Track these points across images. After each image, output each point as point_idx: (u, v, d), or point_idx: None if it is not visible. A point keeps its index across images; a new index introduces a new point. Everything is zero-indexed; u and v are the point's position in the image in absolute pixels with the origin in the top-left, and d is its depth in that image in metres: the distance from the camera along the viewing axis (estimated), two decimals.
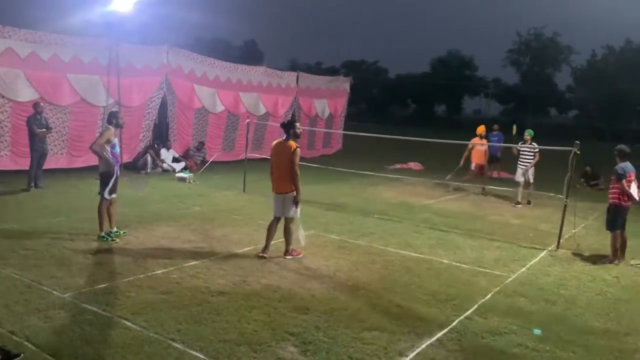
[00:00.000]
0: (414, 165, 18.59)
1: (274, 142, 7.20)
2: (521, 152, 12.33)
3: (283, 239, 7.14)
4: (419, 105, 68.29)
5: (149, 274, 6.11)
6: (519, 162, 12.34)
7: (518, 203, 12.29)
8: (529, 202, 12.48)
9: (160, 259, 6.67)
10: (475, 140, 13.35)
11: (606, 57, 55.02)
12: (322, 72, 37.71)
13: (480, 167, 13.59)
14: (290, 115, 19.44)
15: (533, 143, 12.24)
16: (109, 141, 7.33)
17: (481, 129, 13.47)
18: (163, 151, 14.98)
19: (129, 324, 4.74)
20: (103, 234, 7.39)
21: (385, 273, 6.68)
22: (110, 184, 7.42)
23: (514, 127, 14.14)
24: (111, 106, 12.92)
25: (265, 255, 6.99)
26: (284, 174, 6.93)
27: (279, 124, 18.27)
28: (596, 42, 79.22)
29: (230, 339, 4.55)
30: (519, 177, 12.26)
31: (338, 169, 13.50)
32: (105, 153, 7.29)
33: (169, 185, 12.56)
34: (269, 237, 7.12)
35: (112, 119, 7.54)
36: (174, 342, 4.44)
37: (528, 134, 12.32)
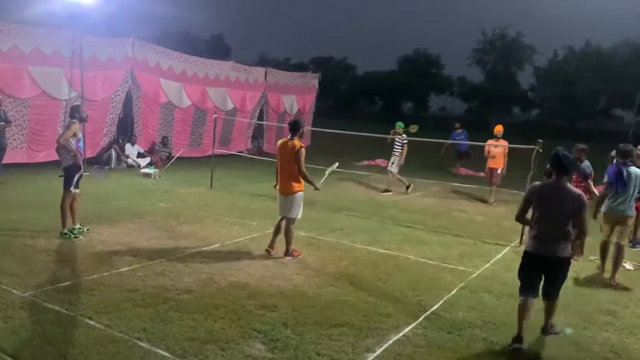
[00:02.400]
0: (381, 161, 18.72)
1: (280, 142, 7.12)
2: (393, 143, 12.98)
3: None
4: (386, 102, 68.74)
5: (114, 271, 6.00)
6: (393, 153, 12.99)
7: (386, 190, 13.06)
8: (388, 191, 13.04)
9: (124, 257, 6.55)
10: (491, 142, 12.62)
11: (567, 58, 56.49)
12: (290, 68, 37.49)
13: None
14: (258, 111, 19.33)
15: (403, 135, 12.92)
16: (75, 135, 7.18)
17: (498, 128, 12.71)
18: (128, 146, 14.69)
19: (92, 323, 4.65)
20: (66, 230, 7.22)
21: (353, 269, 6.72)
22: (76, 178, 7.26)
23: (414, 126, 13.74)
24: (74, 99, 12.59)
25: (271, 251, 7.02)
26: (288, 174, 6.90)
27: (247, 120, 18.16)
28: (557, 43, 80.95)
29: (197, 337, 4.50)
30: (393, 167, 12.94)
31: (306, 165, 13.45)
32: (71, 147, 7.14)
33: (133, 181, 12.33)
34: (276, 233, 7.15)
35: (75, 112, 7.38)
36: (139, 341, 4.38)
37: (398, 126, 13.03)
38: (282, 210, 7.06)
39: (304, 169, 6.88)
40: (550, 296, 5.01)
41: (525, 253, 5.02)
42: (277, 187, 7.11)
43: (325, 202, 11.15)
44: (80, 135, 7.37)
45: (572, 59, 55.11)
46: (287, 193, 6.96)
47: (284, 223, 7.10)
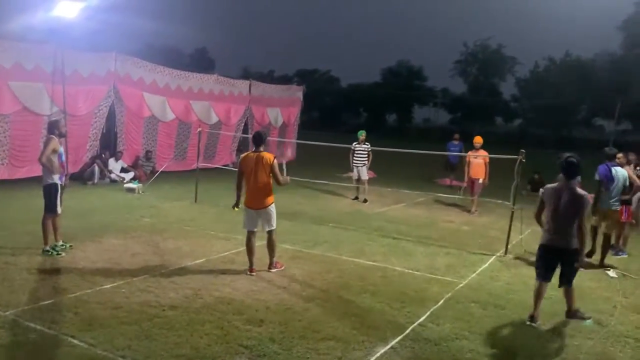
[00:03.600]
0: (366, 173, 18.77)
1: (245, 156, 6.90)
2: (356, 152, 13.11)
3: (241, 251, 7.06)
4: (370, 114, 69.19)
5: (97, 288, 5.91)
6: (354, 162, 13.13)
7: (357, 198, 13.28)
8: (365, 200, 13.16)
9: (108, 273, 6.46)
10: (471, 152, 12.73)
11: (548, 68, 57.46)
12: (274, 81, 37.62)
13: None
14: (243, 124, 19.30)
15: (367, 143, 13.12)
16: (55, 151, 7.09)
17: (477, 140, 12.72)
18: (111, 161, 14.56)
19: (75, 341, 4.56)
20: (48, 247, 7.10)
21: (339, 282, 6.69)
22: (58, 198, 7.18)
23: (363, 133, 13.60)
24: (56, 115, 12.46)
25: (254, 272, 6.77)
26: (262, 188, 6.74)
27: (232, 133, 18.10)
28: (538, 54, 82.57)
29: (183, 354, 4.44)
30: (358, 175, 13.16)
31: (291, 177, 13.46)
32: (53, 164, 7.06)
33: (117, 196, 12.21)
34: (252, 253, 6.87)
35: (54, 128, 7.29)
36: (123, 358, 4.31)
37: (362, 134, 13.23)
38: (257, 225, 6.89)
39: (281, 179, 6.85)
40: (563, 283, 5.80)
41: (540, 246, 5.85)
42: (246, 204, 6.84)
43: (311, 214, 11.14)
44: (61, 149, 7.28)
45: (553, 70, 56.10)
46: (263, 207, 6.80)
47: (257, 238, 6.93)
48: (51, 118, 11.23)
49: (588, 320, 5.80)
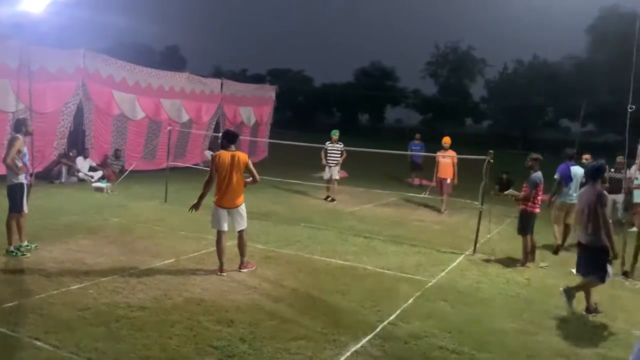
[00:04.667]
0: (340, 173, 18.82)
1: (219, 154, 6.74)
2: (329, 152, 13.20)
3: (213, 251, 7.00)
4: (344, 114, 69.39)
5: (63, 289, 5.79)
6: (327, 161, 13.19)
7: (327, 197, 13.37)
8: (333, 200, 13.28)
9: (75, 274, 6.34)
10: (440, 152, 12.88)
11: (516, 70, 58.56)
12: (247, 80, 37.45)
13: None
14: (214, 123, 19.15)
15: (340, 143, 13.22)
16: (19, 151, 6.92)
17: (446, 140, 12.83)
18: (79, 159, 14.28)
19: (40, 344, 4.47)
20: (12, 248, 6.94)
21: (311, 282, 6.70)
22: (24, 198, 7.01)
23: (336, 133, 13.64)
24: (21, 112, 12.16)
25: (225, 273, 6.71)
26: (237, 187, 6.72)
27: (203, 132, 17.92)
28: (507, 56, 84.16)
29: (152, 355, 4.39)
30: (330, 175, 13.23)
31: (264, 177, 13.41)
32: (17, 165, 6.89)
33: (85, 195, 11.98)
34: (223, 253, 6.79)
35: (21, 126, 7.11)
36: None
37: (335, 134, 13.32)
38: (231, 225, 6.84)
39: (258, 177, 6.91)
40: (583, 274, 6.27)
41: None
42: (218, 203, 6.74)
43: (283, 214, 11.13)
44: (25, 149, 7.09)
45: (522, 72, 57.13)
46: (236, 206, 6.79)
47: (227, 238, 6.88)
48: (17, 116, 10.97)
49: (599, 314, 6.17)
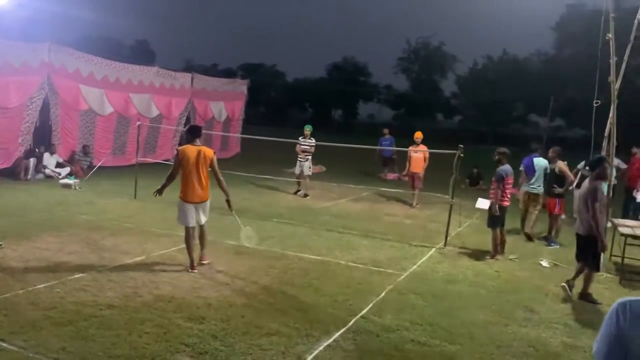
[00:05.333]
0: (315, 169, 18.82)
1: (185, 148, 6.71)
2: (302, 147, 13.24)
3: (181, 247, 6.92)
4: (316, 109, 69.30)
5: (29, 289, 5.65)
6: (299, 156, 13.20)
7: (298, 191, 13.41)
8: (306, 195, 13.28)
9: (42, 273, 6.19)
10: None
11: (486, 66, 59.32)
12: (218, 74, 36.98)
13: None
14: (185, 118, 18.90)
15: (312, 138, 13.25)
16: None
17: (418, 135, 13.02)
18: (46, 156, 13.93)
19: (4, 345, 4.36)
20: None
21: (283, 277, 6.69)
22: None
23: (309, 127, 13.61)
24: None
25: (195, 269, 6.65)
26: (204, 181, 6.69)
27: (173, 127, 17.68)
28: (477, 52, 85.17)
29: (121, 354, 4.32)
30: (300, 170, 13.20)
31: (236, 173, 13.34)
32: None
33: (52, 192, 11.70)
34: (193, 250, 6.74)
35: None
36: None
37: (308, 129, 13.32)
38: (199, 218, 6.81)
39: (222, 177, 6.89)
40: (580, 261, 6.69)
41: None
42: (187, 199, 6.68)
43: (256, 210, 11.06)
44: None
45: (491, 68, 57.88)
46: (204, 200, 6.81)
47: (193, 231, 6.84)
48: None
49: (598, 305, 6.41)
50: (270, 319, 5.26)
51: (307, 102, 71.13)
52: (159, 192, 7.06)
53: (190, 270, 6.64)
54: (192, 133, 6.87)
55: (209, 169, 6.76)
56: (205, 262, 6.94)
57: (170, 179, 6.83)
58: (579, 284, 6.66)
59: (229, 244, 7.98)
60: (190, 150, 6.66)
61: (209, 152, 6.74)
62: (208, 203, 6.88)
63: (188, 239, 6.76)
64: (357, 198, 13.64)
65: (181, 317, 5.16)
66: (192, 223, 6.75)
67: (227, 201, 6.97)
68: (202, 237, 6.97)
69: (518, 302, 6.36)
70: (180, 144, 18.69)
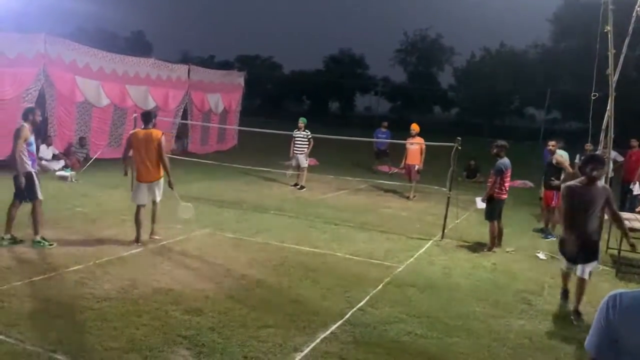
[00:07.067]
0: (309, 160, 18.78)
1: (135, 132, 7.46)
2: (296, 139, 13.22)
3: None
4: (313, 102, 69.15)
5: (26, 281, 5.64)
6: (294, 149, 13.21)
7: (296, 184, 13.42)
8: (302, 187, 13.26)
9: (39, 265, 6.18)
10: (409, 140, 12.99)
11: (483, 59, 59.19)
12: (215, 66, 36.87)
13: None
14: (182, 110, 18.84)
15: (306, 131, 13.22)
16: (26, 140, 6.83)
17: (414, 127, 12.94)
18: (42, 147, 13.86)
19: (1, 337, 4.34)
20: (38, 238, 6.98)
21: (281, 269, 6.69)
22: (37, 184, 7.09)
23: (303, 120, 13.64)
24: None
25: (140, 242, 7.25)
26: (153, 162, 7.27)
27: (170, 119, 17.62)
28: (475, 44, 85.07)
29: (118, 347, 4.32)
30: (296, 162, 13.26)
31: (233, 165, 13.34)
32: (23, 155, 6.83)
33: (48, 184, 11.57)
34: (141, 225, 7.34)
35: (29, 115, 7.05)
36: (54, 353, 4.14)
37: (302, 121, 13.29)
38: (149, 197, 7.44)
39: (166, 158, 7.35)
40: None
41: None
42: (138, 178, 7.43)
43: (253, 202, 11.05)
44: (32, 138, 7.02)
45: (488, 60, 57.73)
46: (154, 179, 7.36)
47: (144, 209, 7.43)
48: None
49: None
50: (267, 311, 5.26)
51: (304, 94, 70.97)
52: (125, 173, 8.06)
53: (135, 243, 7.19)
54: (142, 118, 7.58)
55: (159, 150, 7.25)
56: (156, 237, 7.48)
57: (123, 159, 7.77)
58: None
59: (227, 237, 7.97)
60: (139, 133, 7.36)
61: (156, 133, 7.29)
62: (161, 182, 7.46)
63: (137, 216, 7.36)
64: (354, 190, 13.64)
65: (178, 309, 5.15)
66: (144, 201, 7.41)
67: (169, 182, 7.51)
68: (154, 213, 7.54)
69: (515, 294, 6.38)
70: (178, 136, 18.76)
